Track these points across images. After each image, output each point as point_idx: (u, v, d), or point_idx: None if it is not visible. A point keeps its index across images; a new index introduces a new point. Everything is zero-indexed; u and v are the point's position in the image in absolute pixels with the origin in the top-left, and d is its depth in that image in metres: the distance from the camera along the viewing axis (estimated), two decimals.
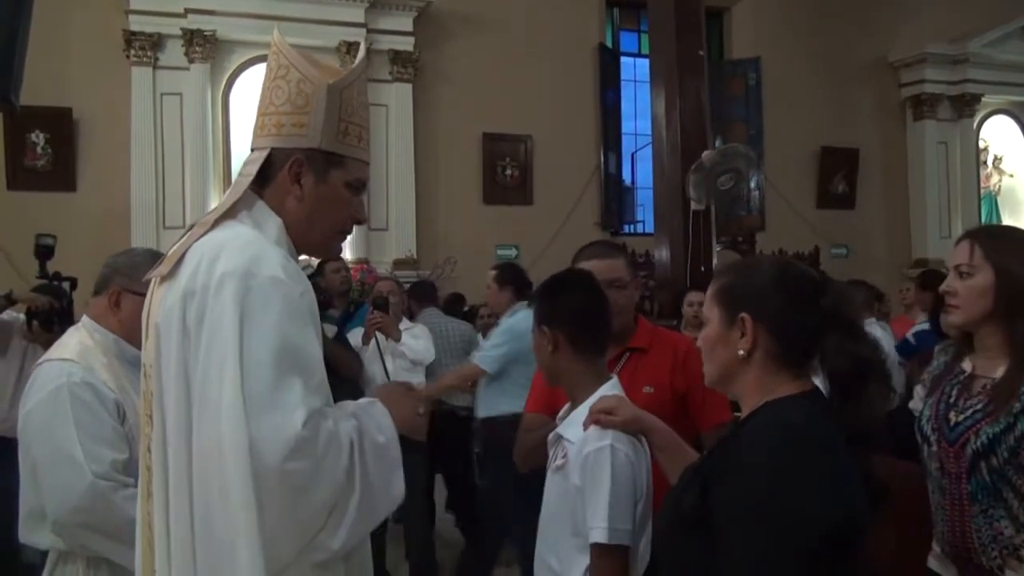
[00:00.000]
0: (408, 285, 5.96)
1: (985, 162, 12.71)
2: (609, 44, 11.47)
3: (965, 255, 1.98)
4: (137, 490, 1.62)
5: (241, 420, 1.35)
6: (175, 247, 1.55)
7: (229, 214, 1.55)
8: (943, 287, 2.05)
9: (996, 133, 12.84)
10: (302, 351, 1.43)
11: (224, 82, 9.26)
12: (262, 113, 1.60)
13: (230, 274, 1.42)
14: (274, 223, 1.57)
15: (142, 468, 1.59)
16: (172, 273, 1.50)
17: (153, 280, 1.59)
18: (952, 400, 2.00)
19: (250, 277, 1.42)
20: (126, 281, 2.18)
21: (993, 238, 2.03)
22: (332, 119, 1.57)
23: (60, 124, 8.76)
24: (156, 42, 8.93)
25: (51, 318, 3.61)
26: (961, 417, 1.95)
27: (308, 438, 1.36)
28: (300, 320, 1.45)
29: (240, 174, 1.61)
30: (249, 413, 1.35)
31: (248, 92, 9.28)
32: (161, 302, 1.51)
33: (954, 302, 2.01)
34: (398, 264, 9.41)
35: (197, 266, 1.46)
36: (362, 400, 1.60)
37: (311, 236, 1.60)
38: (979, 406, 1.93)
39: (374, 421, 1.52)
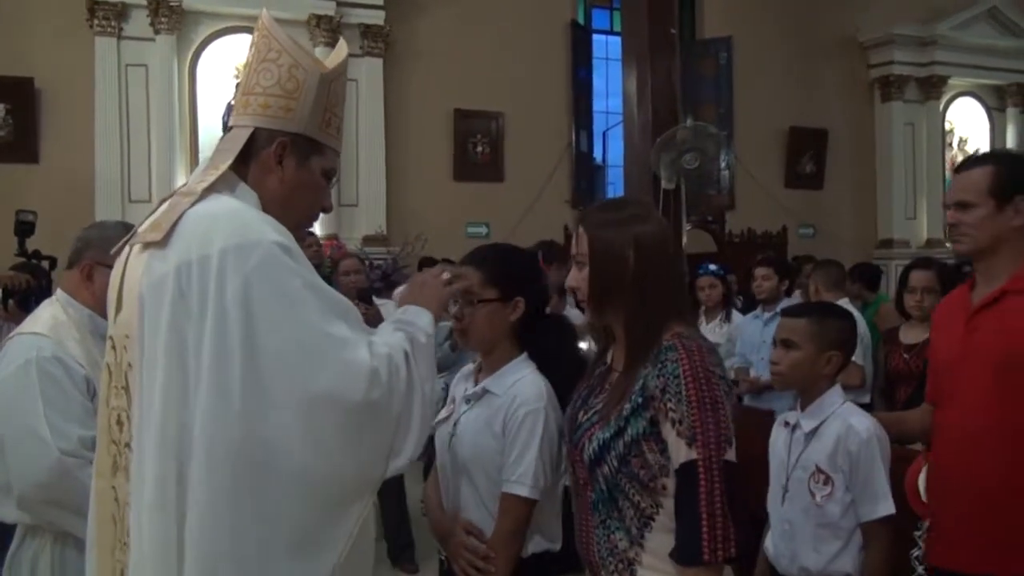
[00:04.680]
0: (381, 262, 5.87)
1: (951, 144, 12.89)
2: (581, 21, 11.43)
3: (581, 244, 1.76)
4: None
5: (306, 380, 1.43)
6: (163, 214, 1.54)
7: (212, 187, 1.55)
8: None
9: (962, 115, 13.02)
10: (333, 295, 1.53)
11: (191, 54, 9.09)
12: (246, 92, 1.61)
13: (237, 247, 1.43)
14: (252, 197, 1.58)
15: (106, 442, 1.58)
16: (163, 241, 1.48)
17: (131, 246, 1.58)
18: (586, 396, 1.81)
19: (257, 246, 1.45)
20: (99, 254, 2.16)
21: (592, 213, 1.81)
22: (319, 108, 1.62)
23: (22, 94, 8.58)
24: (120, 11, 8.74)
25: (29, 297, 3.54)
26: (584, 418, 1.76)
27: (377, 367, 1.49)
28: (312, 271, 1.52)
29: (219, 148, 1.62)
30: (317, 366, 1.43)
31: (216, 65, 9.14)
32: (146, 270, 1.49)
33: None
34: (367, 240, 9.36)
35: (191, 237, 1.46)
36: (397, 312, 1.72)
37: (284, 219, 1.60)
38: (599, 406, 1.73)
39: (415, 326, 1.65)
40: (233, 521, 1.40)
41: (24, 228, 4.12)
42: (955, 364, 2.20)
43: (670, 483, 1.60)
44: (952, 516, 2.18)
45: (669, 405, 1.58)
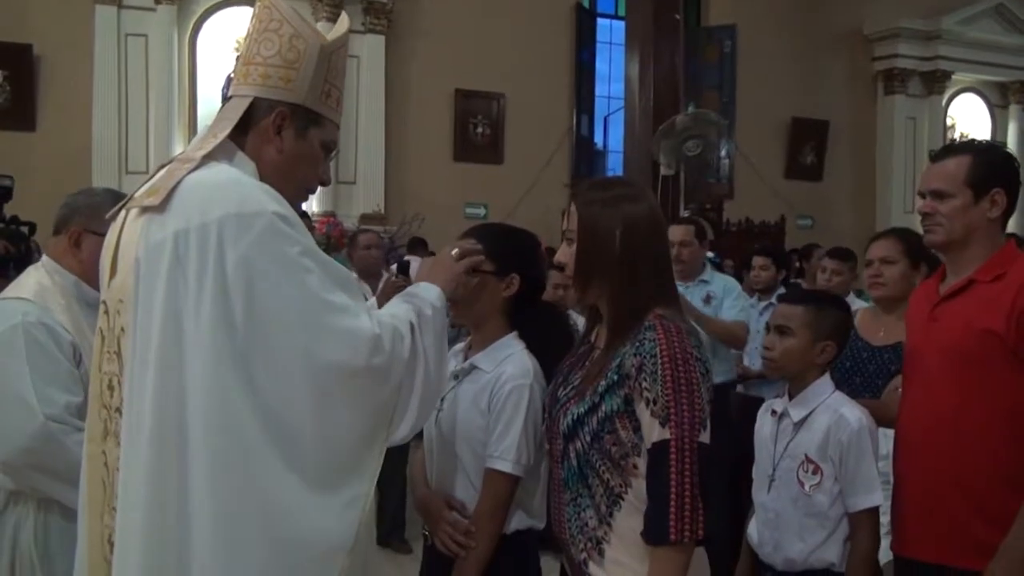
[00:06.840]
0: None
1: (952, 139, 12.86)
2: (586, 4, 11.36)
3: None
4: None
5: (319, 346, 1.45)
6: (161, 179, 1.53)
7: (211, 155, 1.55)
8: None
9: (964, 111, 13.01)
10: (333, 265, 1.55)
11: (191, 25, 9.05)
12: (247, 62, 1.61)
13: (238, 216, 1.44)
14: (250, 167, 1.58)
15: (97, 407, 1.57)
16: (161, 207, 1.48)
17: (127, 211, 1.57)
18: (568, 372, 1.81)
19: (257, 216, 1.45)
20: (87, 221, 2.14)
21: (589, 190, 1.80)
22: (319, 79, 1.61)
23: (20, 61, 8.53)
24: None
25: (6, 263, 3.52)
26: (562, 393, 1.76)
27: (379, 334, 1.51)
28: (311, 240, 1.53)
29: (219, 117, 1.61)
30: (320, 332, 1.45)
31: (216, 37, 9.08)
32: (143, 234, 1.49)
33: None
34: (365, 218, 9.33)
35: (189, 204, 1.46)
36: (408, 288, 1.76)
37: (282, 190, 1.59)
38: (577, 382, 1.74)
39: (422, 299, 1.67)
40: (242, 486, 1.41)
41: (1, 193, 4.07)
42: (917, 352, 2.22)
43: (641, 463, 1.61)
44: (905, 503, 2.20)
45: (644, 384, 1.59)
